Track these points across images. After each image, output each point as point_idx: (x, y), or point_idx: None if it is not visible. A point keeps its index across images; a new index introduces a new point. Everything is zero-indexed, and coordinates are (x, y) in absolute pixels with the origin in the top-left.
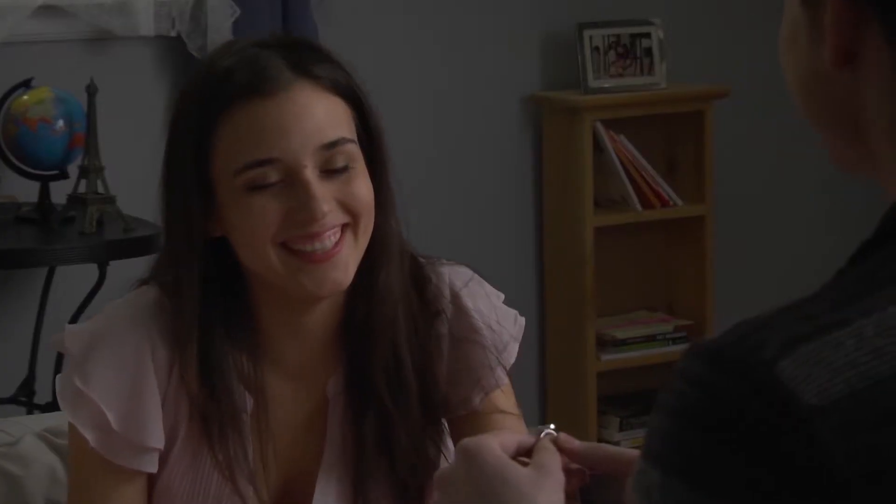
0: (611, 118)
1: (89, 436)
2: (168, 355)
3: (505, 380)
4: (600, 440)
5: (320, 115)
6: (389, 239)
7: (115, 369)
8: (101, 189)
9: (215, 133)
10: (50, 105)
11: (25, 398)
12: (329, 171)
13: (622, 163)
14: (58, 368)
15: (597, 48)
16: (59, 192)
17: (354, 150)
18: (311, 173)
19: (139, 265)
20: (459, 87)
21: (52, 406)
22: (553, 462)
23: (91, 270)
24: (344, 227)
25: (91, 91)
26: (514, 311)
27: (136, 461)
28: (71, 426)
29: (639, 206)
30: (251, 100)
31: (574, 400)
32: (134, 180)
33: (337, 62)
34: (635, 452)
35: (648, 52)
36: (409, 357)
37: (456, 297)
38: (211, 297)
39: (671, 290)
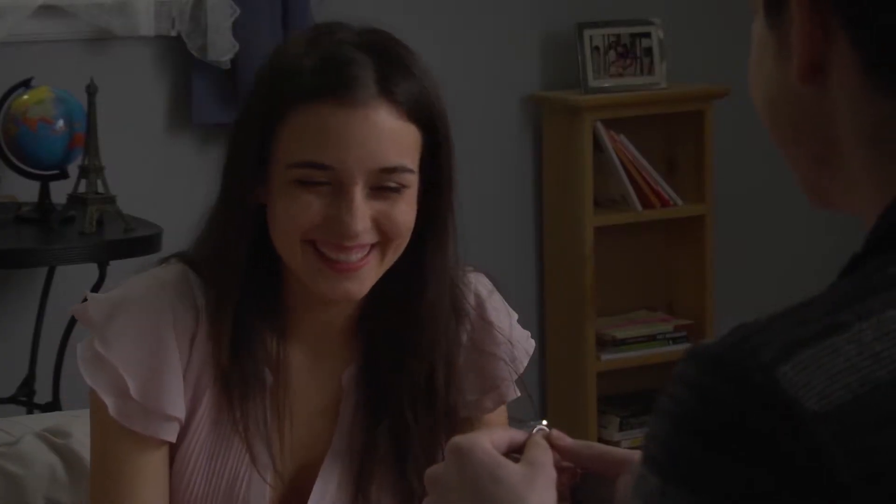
0: (611, 118)
1: (108, 402)
2: (191, 326)
3: (518, 392)
4: (600, 440)
5: (388, 141)
6: (442, 271)
7: (136, 337)
8: (101, 189)
9: (285, 119)
10: (50, 105)
11: (25, 398)
12: (379, 189)
13: (622, 162)
14: (58, 368)
15: (597, 48)
16: (59, 192)
17: (411, 178)
18: (359, 190)
19: (139, 265)
20: (459, 86)
21: (53, 406)
22: (545, 458)
23: (91, 270)
24: (374, 245)
25: (91, 91)
26: (526, 332)
27: (154, 428)
28: (92, 394)
29: (639, 206)
30: (328, 103)
31: (574, 400)
32: (134, 180)
33: (423, 81)
34: (627, 452)
35: (648, 51)
36: (442, 372)
37: (482, 308)
38: (247, 269)
39: (671, 290)
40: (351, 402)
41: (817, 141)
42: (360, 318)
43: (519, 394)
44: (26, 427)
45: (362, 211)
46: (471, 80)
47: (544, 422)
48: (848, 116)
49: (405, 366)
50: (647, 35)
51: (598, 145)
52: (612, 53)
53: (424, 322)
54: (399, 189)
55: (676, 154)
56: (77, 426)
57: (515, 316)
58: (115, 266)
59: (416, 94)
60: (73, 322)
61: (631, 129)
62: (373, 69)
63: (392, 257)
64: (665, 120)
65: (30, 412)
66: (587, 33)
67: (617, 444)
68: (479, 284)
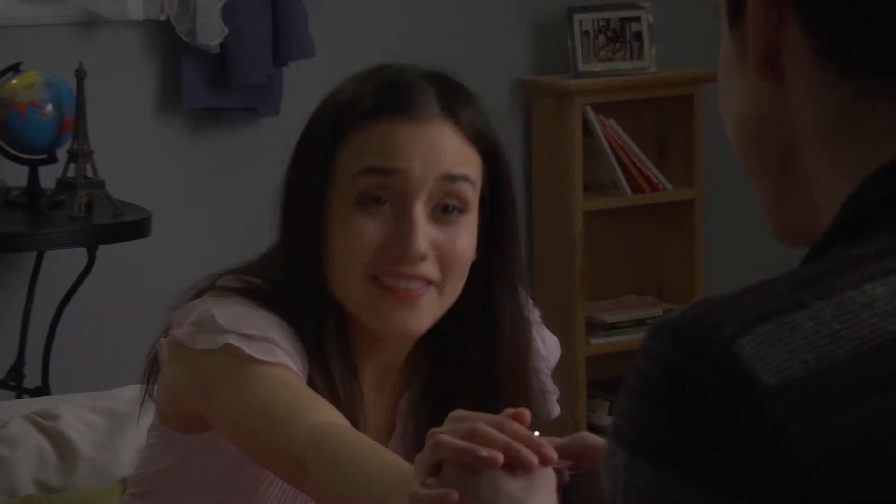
0: (600, 102)
1: (245, 345)
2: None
3: (558, 409)
4: (590, 424)
5: (452, 151)
6: (513, 320)
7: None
8: (90, 173)
9: (349, 135)
10: (39, 89)
11: (14, 382)
12: (439, 210)
13: (612, 147)
14: (47, 353)
15: (586, 32)
16: (49, 177)
17: (472, 195)
18: (420, 207)
19: (129, 249)
20: (449, 70)
21: (42, 391)
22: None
23: (80, 254)
24: (429, 283)
25: (80, 75)
26: (554, 338)
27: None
28: (209, 357)
29: (628, 191)
30: (393, 116)
31: (563, 384)
32: (123, 164)
33: (484, 115)
34: None
35: (638, 36)
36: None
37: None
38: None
39: (661, 274)
40: (405, 426)
41: (779, 144)
42: (420, 350)
43: (559, 411)
44: (15, 411)
45: (424, 230)
46: (460, 64)
47: (536, 433)
48: (806, 108)
49: (469, 393)
50: (637, 19)
51: (587, 130)
52: (601, 38)
53: (496, 366)
54: (460, 211)
55: (666, 138)
56: (65, 409)
57: (537, 313)
58: (104, 250)
59: (477, 123)
60: (62, 307)
61: (621, 114)
62: (435, 94)
63: (450, 296)
64: (655, 104)
65: (19, 397)
66: (577, 17)
67: (607, 427)
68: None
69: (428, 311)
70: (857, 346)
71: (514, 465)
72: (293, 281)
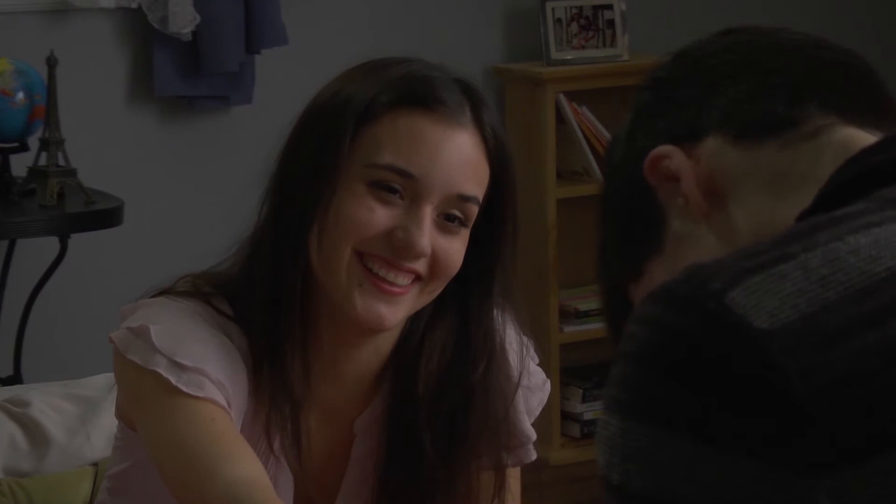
0: (573, 90)
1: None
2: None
3: (534, 454)
4: (563, 412)
5: (471, 168)
6: (490, 333)
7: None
8: (61, 162)
9: (376, 121)
10: (10, 77)
11: None
12: (442, 217)
13: (584, 134)
14: (19, 342)
15: (559, 20)
16: (20, 165)
17: (474, 215)
18: (429, 211)
19: (101, 238)
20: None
21: (14, 380)
22: None
23: (52, 243)
24: (417, 279)
25: (51, 63)
26: (542, 375)
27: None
28: (143, 378)
29: (601, 178)
30: (427, 113)
31: None
32: (95, 153)
33: (500, 122)
34: None
35: (611, 23)
36: (473, 419)
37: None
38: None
39: None
40: (364, 446)
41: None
42: (383, 370)
43: (535, 457)
44: None
45: (431, 231)
46: (433, 51)
47: None
48: (746, 180)
49: (430, 418)
50: (610, 7)
51: (560, 117)
52: (574, 25)
53: (463, 385)
54: (462, 224)
55: None
56: (36, 395)
57: (536, 360)
58: (76, 239)
59: (498, 132)
60: (34, 296)
61: (593, 101)
62: (468, 102)
63: (430, 295)
64: (627, 92)
65: None
66: (549, 5)
67: (580, 415)
68: (513, 337)
69: (403, 308)
70: (846, 289)
71: None
72: (264, 264)
